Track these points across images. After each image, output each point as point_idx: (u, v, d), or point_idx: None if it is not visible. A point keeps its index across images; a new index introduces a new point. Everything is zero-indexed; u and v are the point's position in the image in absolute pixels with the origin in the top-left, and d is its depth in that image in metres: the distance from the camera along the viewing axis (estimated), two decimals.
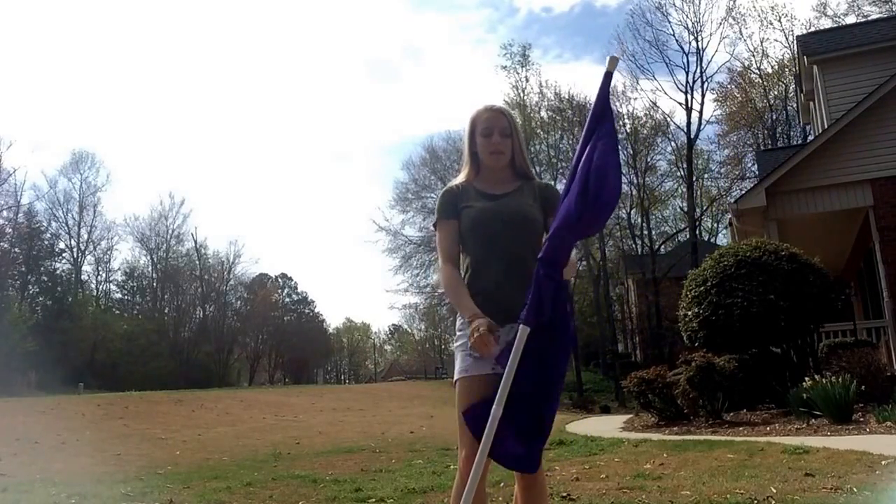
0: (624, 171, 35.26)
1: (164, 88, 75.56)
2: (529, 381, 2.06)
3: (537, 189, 2.40)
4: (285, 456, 7.53)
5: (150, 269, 49.70)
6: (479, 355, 2.16)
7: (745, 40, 42.16)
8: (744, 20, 33.48)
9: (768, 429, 7.55)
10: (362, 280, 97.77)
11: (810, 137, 17.90)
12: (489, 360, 2.15)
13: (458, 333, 2.29)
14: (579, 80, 77.85)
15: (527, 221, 2.30)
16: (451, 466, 5.38)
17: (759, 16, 33.47)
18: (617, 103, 35.03)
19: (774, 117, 33.00)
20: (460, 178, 2.45)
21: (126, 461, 7.43)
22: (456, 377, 2.24)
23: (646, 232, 35.47)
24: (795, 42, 18.82)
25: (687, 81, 31.89)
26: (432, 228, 2.45)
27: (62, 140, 75.99)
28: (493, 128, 2.36)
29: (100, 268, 48.72)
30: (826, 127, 12.29)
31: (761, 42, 38.08)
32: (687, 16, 32.24)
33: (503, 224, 2.27)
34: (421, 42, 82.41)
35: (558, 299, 2.07)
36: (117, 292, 50.35)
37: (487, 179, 2.39)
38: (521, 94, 35.80)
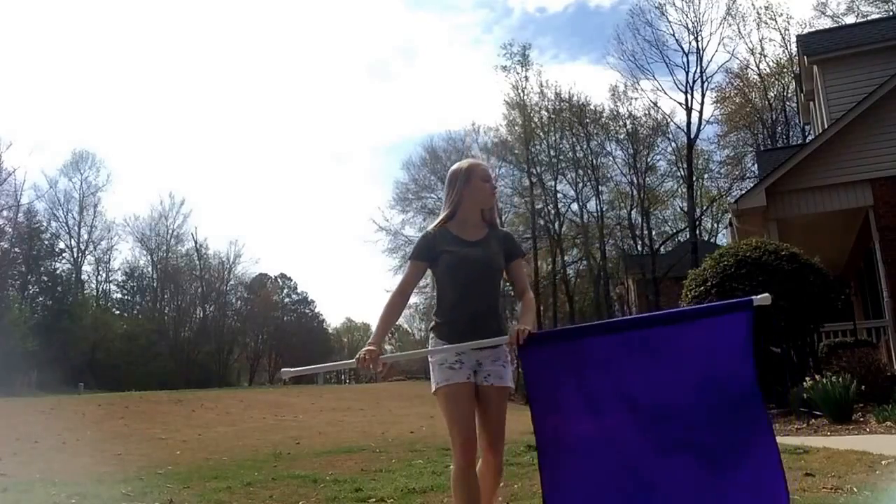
0: (624, 172, 35.38)
1: (164, 88, 75.55)
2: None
3: (502, 238, 2.92)
4: (285, 456, 7.52)
5: (150, 269, 49.69)
6: (456, 366, 2.70)
7: (744, 39, 42.00)
8: (743, 19, 33.43)
9: None
10: (362, 280, 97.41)
11: (810, 137, 17.90)
12: (465, 371, 2.69)
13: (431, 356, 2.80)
14: (577, 80, 78.13)
15: (493, 268, 2.83)
16: (452, 466, 5.38)
17: (757, 15, 33.30)
18: (617, 103, 35.10)
19: (774, 117, 32.96)
20: (436, 223, 2.93)
21: (126, 461, 7.42)
22: (439, 385, 2.72)
23: (646, 232, 35.44)
24: (795, 42, 18.83)
25: (687, 81, 31.87)
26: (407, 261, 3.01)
27: (62, 140, 75.94)
28: (489, 177, 2.93)
29: (100, 268, 48.67)
30: (826, 127, 12.29)
31: (760, 41, 37.97)
32: (686, 15, 32.21)
33: (476, 270, 2.78)
34: (418, 42, 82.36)
35: None
36: (117, 292, 50.34)
37: (463, 225, 2.88)
38: (521, 94, 35.77)
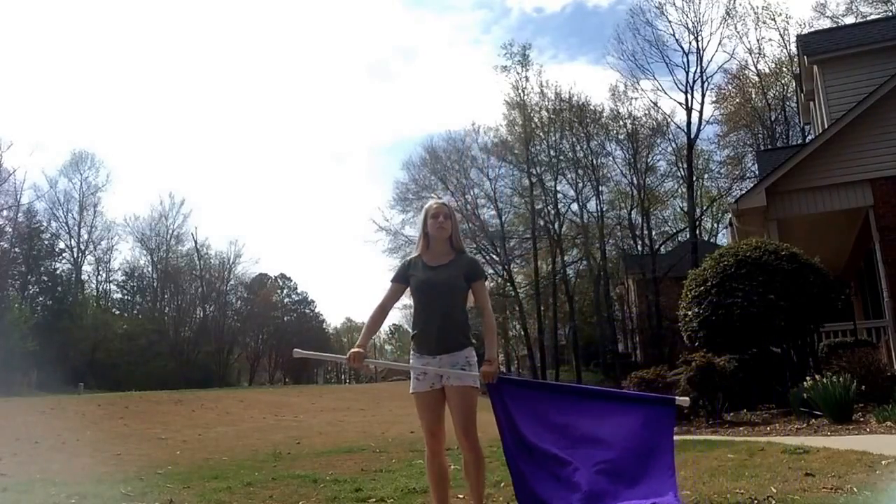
0: (624, 172, 35.34)
1: (164, 88, 75.63)
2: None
3: (465, 263, 3.50)
4: (285, 456, 7.53)
5: (150, 269, 49.68)
6: (421, 377, 3.37)
7: (742, 38, 41.88)
8: (742, 20, 33.39)
9: (768, 429, 7.56)
10: (362, 280, 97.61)
11: (810, 137, 17.89)
12: (427, 381, 3.35)
13: (410, 361, 3.43)
14: (576, 80, 78.16)
15: (452, 288, 3.40)
16: (452, 466, 5.38)
17: (756, 15, 33.19)
18: (617, 103, 35.06)
19: (774, 117, 32.91)
20: (415, 253, 3.61)
21: (126, 461, 7.43)
22: (411, 391, 3.42)
23: (646, 232, 35.43)
24: (795, 42, 18.82)
25: (687, 81, 31.80)
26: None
27: (62, 140, 75.95)
28: (439, 213, 3.54)
29: (100, 268, 48.68)
30: (826, 127, 12.28)
31: (758, 41, 37.88)
32: (686, 15, 32.17)
33: (435, 290, 3.39)
34: (418, 42, 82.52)
35: None
36: (117, 292, 50.33)
37: (433, 253, 3.53)
38: (521, 94, 35.72)
